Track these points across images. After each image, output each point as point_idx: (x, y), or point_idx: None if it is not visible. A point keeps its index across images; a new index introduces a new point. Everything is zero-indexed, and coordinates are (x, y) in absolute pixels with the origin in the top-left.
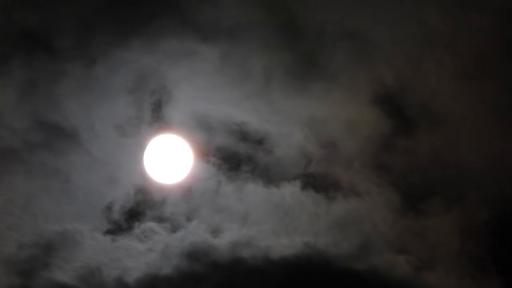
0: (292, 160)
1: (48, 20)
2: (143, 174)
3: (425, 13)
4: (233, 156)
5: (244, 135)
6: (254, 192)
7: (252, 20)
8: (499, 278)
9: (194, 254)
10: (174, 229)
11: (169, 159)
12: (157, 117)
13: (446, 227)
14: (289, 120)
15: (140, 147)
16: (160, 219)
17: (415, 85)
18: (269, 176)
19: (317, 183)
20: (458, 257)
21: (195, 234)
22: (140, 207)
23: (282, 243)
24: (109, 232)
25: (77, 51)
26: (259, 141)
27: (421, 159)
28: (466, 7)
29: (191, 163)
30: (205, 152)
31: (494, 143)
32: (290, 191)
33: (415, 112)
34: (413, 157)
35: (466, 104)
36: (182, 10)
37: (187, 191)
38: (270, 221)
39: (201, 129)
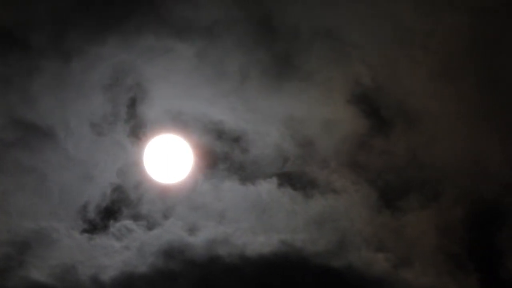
0: (269, 158)
1: (23, 16)
2: (119, 172)
3: (400, 12)
4: (209, 154)
5: (220, 134)
6: (231, 190)
7: (228, 19)
8: (476, 274)
9: (170, 252)
10: (150, 227)
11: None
12: (133, 115)
13: (423, 224)
14: (266, 119)
15: (116, 145)
16: (136, 217)
17: (391, 85)
18: (245, 174)
19: (294, 181)
20: (435, 254)
21: (172, 232)
22: (117, 205)
23: (259, 241)
24: (85, 230)
25: (53, 47)
26: (236, 140)
27: (397, 158)
28: (439, 6)
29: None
30: (181, 150)
31: (469, 141)
32: (267, 188)
33: (391, 111)
34: (389, 156)
35: (441, 103)
36: (159, 8)
37: (164, 189)
38: (247, 219)
39: (177, 127)
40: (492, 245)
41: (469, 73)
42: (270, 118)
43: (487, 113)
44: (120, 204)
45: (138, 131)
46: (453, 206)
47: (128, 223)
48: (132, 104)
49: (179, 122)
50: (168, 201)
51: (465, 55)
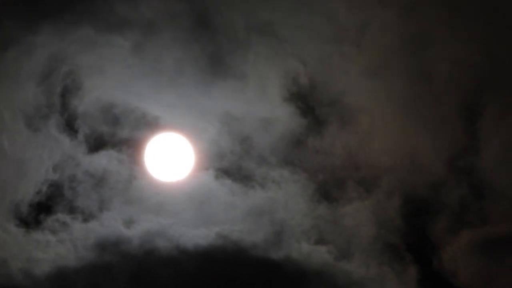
0: (206, 154)
1: None
2: (55, 167)
3: (334, 8)
4: (144, 148)
5: (154, 128)
6: (168, 182)
7: (167, 13)
8: (414, 265)
9: (106, 245)
10: (86, 220)
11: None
12: (67, 107)
13: (361, 216)
14: (202, 116)
15: (52, 139)
16: (72, 211)
17: (326, 83)
18: (183, 168)
19: (231, 175)
20: (374, 245)
21: (107, 225)
22: (52, 200)
23: (196, 232)
24: (19, 224)
25: None
26: (171, 134)
27: (333, 155)
28: (371, 2)
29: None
30: (115, 143)
31: (402, 137)
32: (204, 180)
33: (326, 110)
34: (326, 154)
35: (374, 100)
36: None
37: (99, 182)
38: (184, 211)
39: (109, 120)
40: (427, 237)
41: (401, 69)
42: (206, 115)
43: (419, 109)
44: (56, 199)
45: (73, 123)
46: (389, 198)
47: (63, 216)
48: (67, 96)
49: (110, 115)
50: (104, 193)
51: (397, 51)
